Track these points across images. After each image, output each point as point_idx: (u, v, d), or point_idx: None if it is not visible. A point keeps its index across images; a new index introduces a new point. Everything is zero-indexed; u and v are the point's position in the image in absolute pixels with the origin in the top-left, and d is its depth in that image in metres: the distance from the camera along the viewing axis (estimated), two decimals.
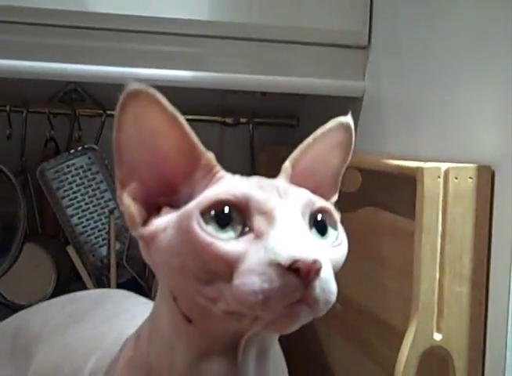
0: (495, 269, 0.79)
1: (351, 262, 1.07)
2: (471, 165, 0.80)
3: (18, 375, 0.79)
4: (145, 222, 0.53)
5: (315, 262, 0.46)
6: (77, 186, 1.25)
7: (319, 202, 0.54)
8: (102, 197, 1.27)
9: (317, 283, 0.47)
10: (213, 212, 0.49)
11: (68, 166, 1.25)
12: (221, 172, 0.54)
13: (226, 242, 0.48)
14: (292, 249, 0.47)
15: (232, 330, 0.51)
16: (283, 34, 1.13)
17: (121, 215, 1.25)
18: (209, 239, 0.48)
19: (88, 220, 1.26)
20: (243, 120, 1.48)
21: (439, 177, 0.78)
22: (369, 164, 0.93)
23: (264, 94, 1.46)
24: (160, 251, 0.52)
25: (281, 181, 0.55)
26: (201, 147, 0.53)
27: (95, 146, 1.28)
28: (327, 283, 0.48)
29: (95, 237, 1.27)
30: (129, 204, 0.53)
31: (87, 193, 1.25)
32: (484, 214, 0.79)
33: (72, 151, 1.26)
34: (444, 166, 0.79)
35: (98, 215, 1.27)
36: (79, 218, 1.26)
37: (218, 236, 0.49)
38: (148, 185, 0.53)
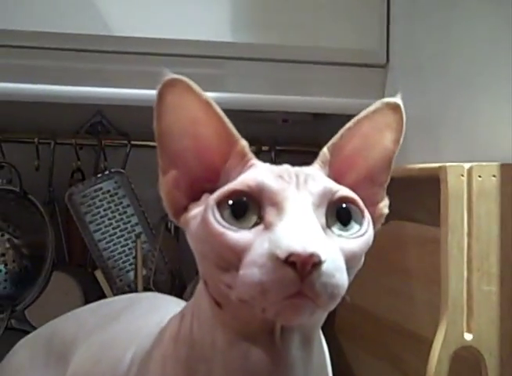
0: None
1: (377, 278, 1.08)
2: (494, 163, 0.80)
3: None
4: (186, 209, 0.54)
5: (311, 255, 0.45)
6: (104, 210, 1.27)
7: (342, 191, 0.53)
8: (129, 222, 1.28)
9: (316, 277, 0.46)
10: (229, 202, 0.50)
11: (95, 190, 1.27)
12: (253, 160, 0.55)
13: (237, 232, 0.49)
14: (291, 242, 0.46)
15: (259, 316, 0.51)
16: (302, 55, 1.15)
17: (148, 239, 1.30)
18: (220, 229, 0.49)
19: (115, 244, 1.27)
20: (265, 148, 1.49)
21: (463, 175, 0.79)
22: (393, 172, 0.94)
23: (285, 121, 1.48)
24: (191, 238, 0.54)
25: (310, 168, 0.55)
26: (236, 134, 0.55)
27: (122, 170, 1.31)
28: (330, 277, 0.47)
29: (123, 262, 1.28)
30: (168, 191, 0.54)
31: (114, 217, 1.27)
32: (509, 211, 0.79)
33: (99, 175, 1.29)
34: (467, 165, 0.79)
35: (125, 240, 1.28)
36: (106, 242, 1.27)
37: (231, 227, 0.50)
38: (190, 172, 0.55)
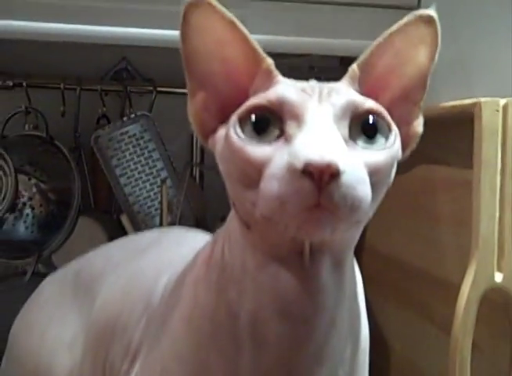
0: None
1: (404, 223, 1.06)
2: None
3: (82, 314, 0.79)
4: (214, 131, 0.54)
5: (329, 165, 0.44)
6: (130, 154, 1.26)
7: (368, 103, 0.52)
8: (155, 166, 1.27)
9: (334, 188, 0.45)
10: (251, 118, 0.50)
11: (121, 134, 1.26)
12: (278, 77, 0.54)
13: (257, 146, 0.49)
14: (309, 152, 0.45)
15: (286, 236, 0.50)
16: None
17: (174, 184, 1.29)
18: (240, 144, 0.49)
19: (140, 189, 1.27)
20: None
21: (497, 111, 0.76)
22: (424, 112, 0.91)
23: (312, 68, 1.45)
24: (218, 159, 0.53)
25: (337, 84, 0.54)
26: (262, 52, 0.54)
27: (148, 114, 1.30)
28: (350, 189, 0.46)
29: (148, 207, 1.28)
30: (196, 113, 0.54)
31: (139, 161, 1.26)
32: None
33: (125, 119, 1.28)
34: (503, 100, 0.77)
35: (150, 185, 1.28)
36: (132, 187, 1.27)
37: (251, 141, 0.49)
38: (219, 93, 0.54)
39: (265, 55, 0.54)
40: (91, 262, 0.86)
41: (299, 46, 1.15)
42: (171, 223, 1.27)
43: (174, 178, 1.29)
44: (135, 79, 1.46)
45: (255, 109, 0.50)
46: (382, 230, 1.11)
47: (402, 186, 1.05)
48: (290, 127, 0.49)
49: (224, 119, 0.54)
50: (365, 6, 1.14)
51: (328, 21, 1.14)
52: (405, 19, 0.55)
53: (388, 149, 0.51)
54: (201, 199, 1.38)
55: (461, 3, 1.04)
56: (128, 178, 1.26)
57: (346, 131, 0.50)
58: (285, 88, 0.51)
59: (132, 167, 1.26)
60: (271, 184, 0.47)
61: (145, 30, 1.09)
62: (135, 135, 1.27)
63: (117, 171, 1.25)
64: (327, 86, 0.52)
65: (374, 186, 0.49)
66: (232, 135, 0.50)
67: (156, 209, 1.28)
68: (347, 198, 0.46)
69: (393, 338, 1.11)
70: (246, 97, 0.53)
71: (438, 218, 0.96)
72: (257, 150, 0.49)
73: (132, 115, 1.28)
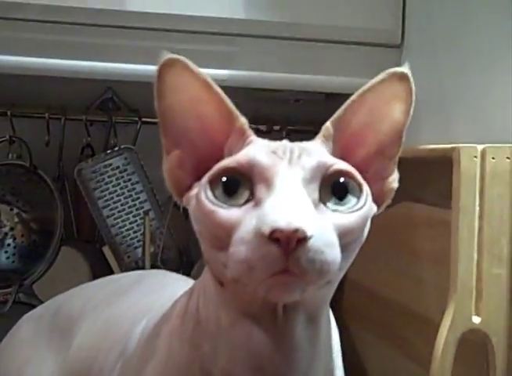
0: None
1: (385, 259, 1.07)
2: (508, 145, 0.79)
3: (58, 356, 0.78)
4: (190, 187, 0.54)
5: (296, 231, 0.44)
6: (113, 186, 1.27)
7: (338, 165, 0.51)
8: (138, 198, 1.28)
9: (301, 253, 0.45)
10: (222, 180, 0.50)
11: (105, 166, 1.27)
12: (252, 137, 0.54)
13: (227, 210, 0.49)
14: (276, 218, 0.45)
15: (258, 295, 0.50)
16: (315, 33, 1.14)
17: (156, 216, 1.29)
18: (211, 207, 0.49)
19: (123, 221, 1.27)
20: (276, 127, 1.48)
21: (476, 157, 0.77)
22: (404, 153, 0.92)
23: (297, 100, 1.46)
24: (192, 217, 0.54)
25: (310, 143, 0.54)
26: (236, 111, 0.55)
27: (132, 147, 1.30)
28: (318, 253, 0.46)
29: (131, 239, 1.28)
30: (172, 170, 0.55)
31: (123, 193, 1.27)
32: None
33: (109, 151, 1.28)
34: (480, 146, 0.78)
35: (133, 217, 1.28)
36: (115, 219, 1.27)
37: (222, 204, 0.49)
38: (194, 151, 0.54)
39: (238, 113, 0.54)
40: (70, 302, 0.85)
41: (285, 82, 1.17)
42: (154, 254, 1.27)
43: (157, 210, 1.29)
44: (120, 109, 1.46)
45: (226, 171, 0.51)
46: (365, 265, 1.11)
47: (384, 221, 1.07)
48: (260, 190, 0.49)
49: (199, 176, 0.54)
50: (349, 44, 1.16)
51: (314, 58, 1.16)
52: (379, 77, 0.54)
53: (359, 210, 0.51)
54: (184, 230, 1.38)
55: (445, 45, 1.05)
56: (111, 209, 1.26)
57: (316, 193, 0.50)
58: (256, 151, 0.51)
59: (115, 199, 1.27)
60: (239, 248, 0.47)
61: (130, 66, 1.10)
62: (118, 167, 1.27)
63: (100, 203, 1.26)
64: (299, 147, 0.52)
65: (345, 246, 0.49)
66: (203, 197, 0.50)
67: (138, 240, 1.28)
68: (316, 262, 0.46)
69: (374, 371, 1.11)
70: (221, 154, 0.54)
71: (419, 256, 0.96)
72: (227, 214, 0.49)
73: (116, 148, 1.29)
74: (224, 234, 0.49)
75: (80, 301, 0.83)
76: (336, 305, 1.28)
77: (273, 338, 0.52)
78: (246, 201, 0.49)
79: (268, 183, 0.49)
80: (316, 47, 1.15)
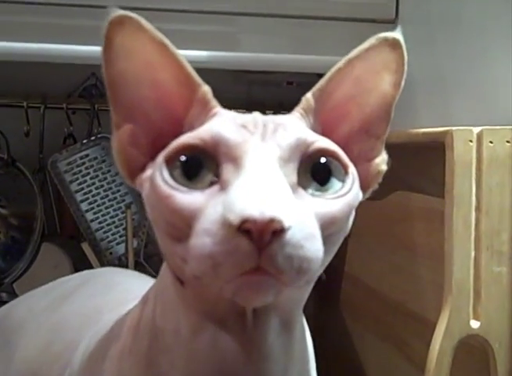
0: None
1: (381, 253, 1.01)
2: (508, 127, 0.71)
3: (1, 368, 0.73)
4: (143, 168, 0.46)
5: (271, 220, 0.37)
6: (91, 178, 1.20)
7: (320, 142, 0.44)
8: (119, 191, 1.22)
9: (277, 248, 0.38)
10: (181, 159, 0.43)
11: (81, 157, 1.20)
12: (217, 109, 0.46)
13: (187, 194, 0.41)
14: (247, 205, 0.38)
15: (224, 296, 0.43)
16: (307, 9, 1.08)
17: (139, 209, 1.22)
18: (167, 190, 0.42)
19: (103, 215, 1.21)
20: (269, 111, 1.40)
21: (471, 141, 0.70)
22: (396, 138, 0.85)
23: (290, 83, 1.40)
24: (145, 202, 0.45)
25: (286, 117, 0.47)
26: (197, 78, 0.47)
27: (109, 136, 1.23)
28: (297, 248, 0.39)
29: (112, 234, 1.22)
30: (122, 147, 0.47)
31: (102, 186, 1.20)
32: None
33: (85, 141, 1.22)
34: (477, 129, 0.70)
35: (114, 211, 1.22)
36: (94, 213, 1.21)
37: (180, 188, 0.42)
38: (150, 125, 0.47)
39: (201, 81, 0.47)
40: (14, 310, 0.80)
41: (275, 63, 1.11)
42: (137, 249, 1.20)
43: (140, 203, 1.22)
44: (104, 96, 1.39)
45: (185, 149, 0.43)
46: (361, 258, 1.07)
47: (378, 212, 1.00)
48: (227, 171, 0.42)
49: (155, 155, 0.46)
50: (344, 20, 1.09)
51: (306, 36, 1.10)
52: (367, 43, 0.47)
53: (344, 196, 0.44)
54: None
55: (440, 20, 0.99)
56: (90, 203, 1.20)
57: (294, 176, 0.42)
58: (222, 124, 0.44)
59: (94, 192, 1.20)
60: (202, 241, 0.39)
61: None
62: (96, 158, 1.21)
63: (78, 197, 1.19)
64: (273, 121, 0.45)
65: (328, 238, 0.42)
66: (158, 180, 0.42)
67: (121, 236, 1.21)
68: (294, 260, 0.39)
69: (370, 368, 1.06)
70: (180, 129, 0.47)
71: (415, 250, 0.91)
72: (187, 199, 0.41)
73: (93, 137, 1.22)
74: (183, 223, 0.41)
75: (22, 311, 0.78)
76: (334, 299, 1.22)
77: (242, 347, 0.45)
78: (211, 184, 0.42)
79: (236, 163, 0.42)
80: (308, 24, 1.09)
